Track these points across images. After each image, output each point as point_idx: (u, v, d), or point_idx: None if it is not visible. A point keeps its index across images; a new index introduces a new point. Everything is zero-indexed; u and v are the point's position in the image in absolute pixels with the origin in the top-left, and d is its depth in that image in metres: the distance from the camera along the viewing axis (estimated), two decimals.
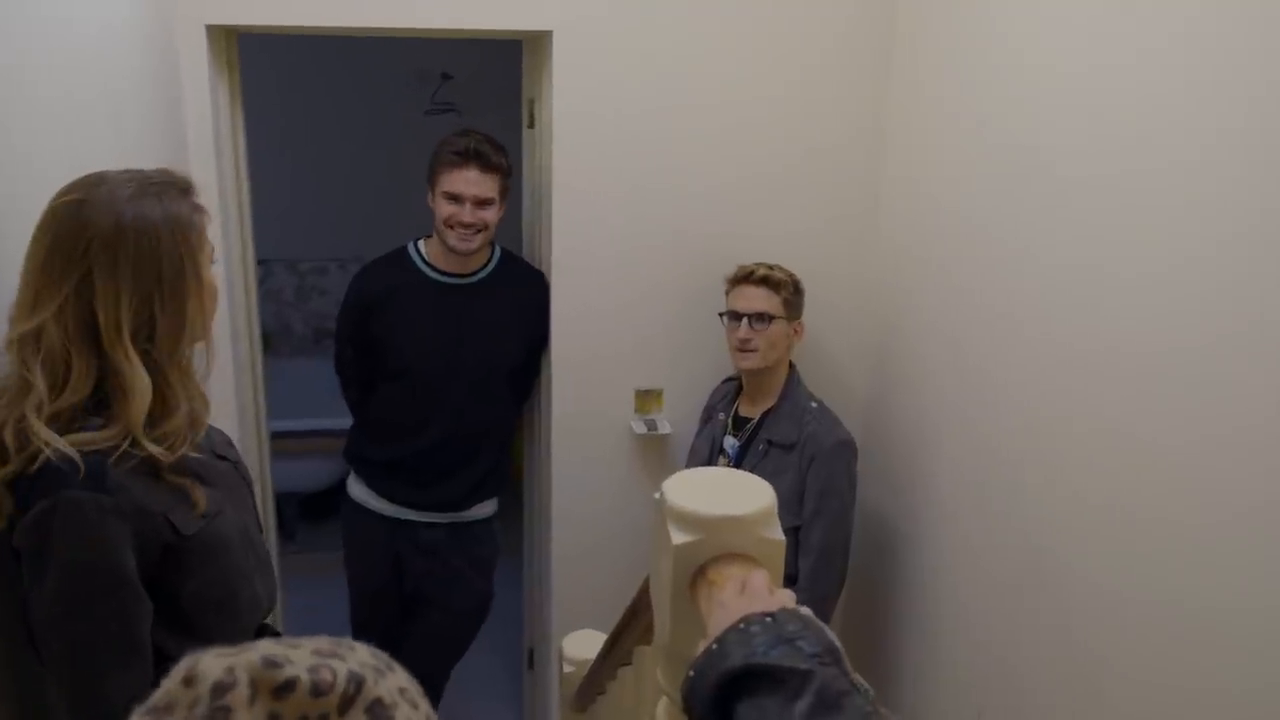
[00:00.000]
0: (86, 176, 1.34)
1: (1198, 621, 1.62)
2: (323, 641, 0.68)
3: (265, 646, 0.64)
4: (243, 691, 0.60)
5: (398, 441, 2.77)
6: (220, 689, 0.60)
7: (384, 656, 0.70)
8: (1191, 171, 1.63)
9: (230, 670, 0.61)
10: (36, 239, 1.30)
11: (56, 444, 1.26)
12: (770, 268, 2.50)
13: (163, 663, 1.32)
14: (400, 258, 2.76)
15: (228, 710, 0.60)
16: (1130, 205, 1.77)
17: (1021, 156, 2.09)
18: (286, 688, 0.61)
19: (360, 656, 0.67)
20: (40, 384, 1.27)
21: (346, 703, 0.63)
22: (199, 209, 1.40)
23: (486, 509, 2.91)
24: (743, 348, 2.50)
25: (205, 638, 1.41)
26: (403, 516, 2.83)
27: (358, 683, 0.64)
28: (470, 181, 2.56)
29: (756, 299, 2.49)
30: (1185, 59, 1.64)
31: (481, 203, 2.59)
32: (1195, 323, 1.62)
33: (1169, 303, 1.68)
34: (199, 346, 1.44)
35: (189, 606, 1.41)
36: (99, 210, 1.29)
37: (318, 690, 0.62)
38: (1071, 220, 1.93)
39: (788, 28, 2.63)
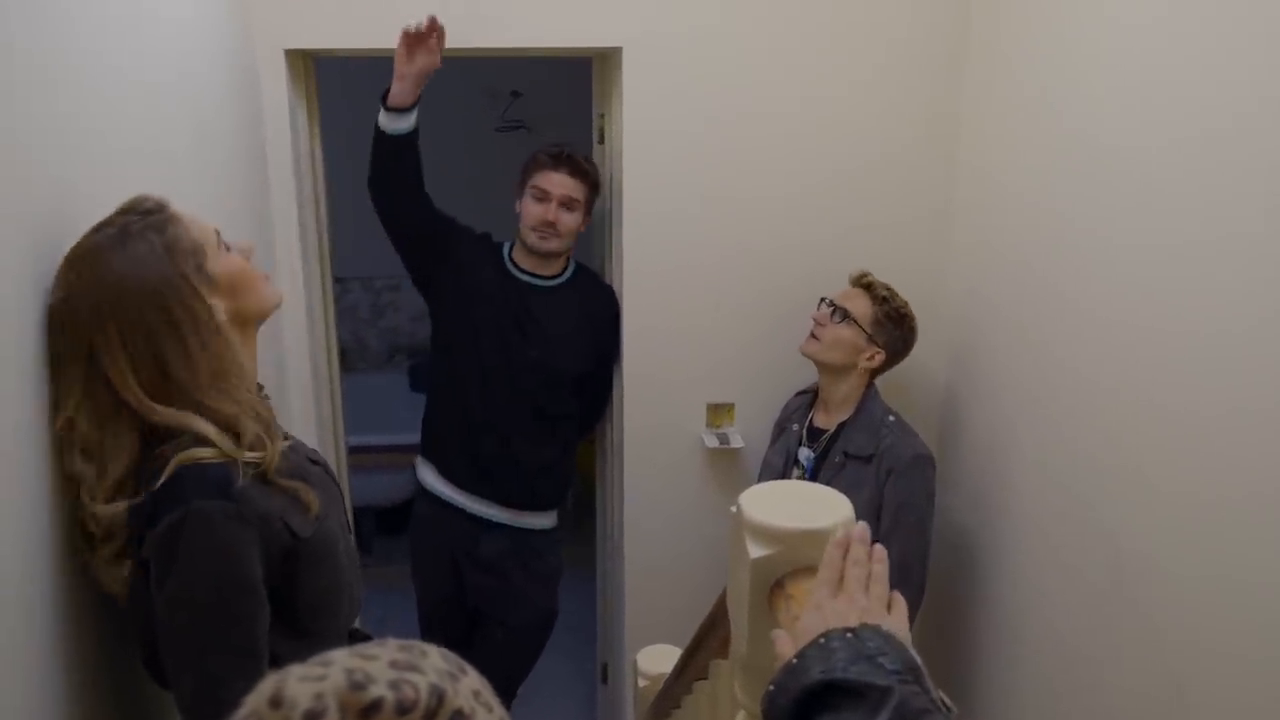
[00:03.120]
0: (66, 256, 1.30)
1: None
2: (395, 650, 0.68)
3: (345, 662, 0.65)
4: (333, 717, 0.62)
5: (464, 425, 2.79)
6: (312, 717, 0.62)
7: (454, 659, 0.71)
8: (1278, 164, 1.58)
9: (319, 697, 0.62)
10: (46, 345, 1.29)
11: (181, 458, 1.29)
12: (885, 287, 2.49)
13: (274, 666, 1.35)
14: (497, 247, 2.84)
15: None
16: (1215, 198, 1.72)
17: (1100, 150, 2.05)
18: (373, 709, 0.63)
19: (434, 663, 0.68)
20: (88, 472, 1.30)
21: (429, 717, 0.65)
22: (165, 226, 1.34)
23: (546, 520, 2.91)
24: (813, 331, 2.53)
25: (314, 640, 1.44)
26: (466, 507, 2.83)
27: (439, 695, 0.65)
28: (559, 182, 2.67)
29: (848, 295, 2.51)
30: (1271, 51, 1.59)
31: (566, 204, 2.67)
32: None
33: (1257, 296, 1.62)
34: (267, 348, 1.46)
35: (302, 609, 1.44)
36: (78, 299, 1.27)
37: (402, 708, 0.63)
38: (1154, 215, 1.88)
39: (856, 28, 2.61)
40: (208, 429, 1.32)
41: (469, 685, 0.69)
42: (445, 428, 2.86)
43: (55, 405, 1.29)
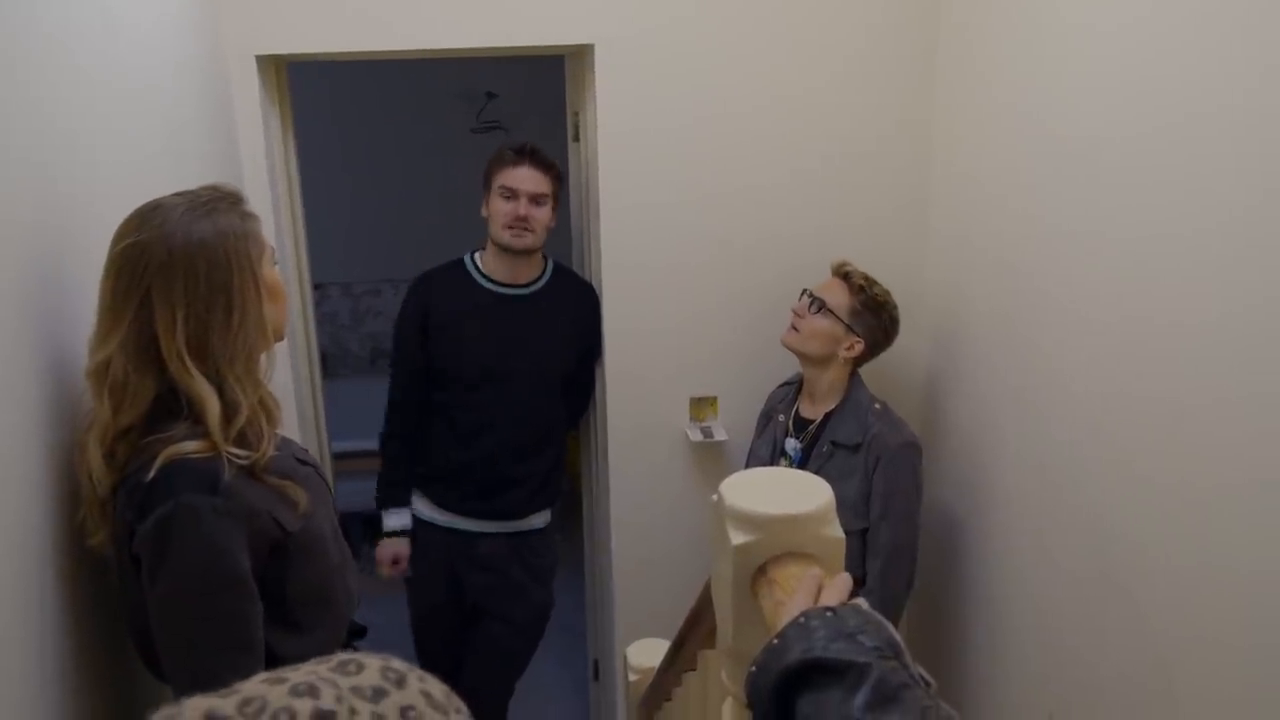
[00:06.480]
0: (141, 208, 1.39)
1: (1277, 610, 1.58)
2: (314, 669, 0.65)
3: (250, 688, 0.64)
4: None
5: (458, 451, 2.80)
6: None
7: (397, 672, 0.67)
8: (1248, 157, 1.59)
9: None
10: (104, 282, 1.37)
11: (169, 453, 1.33)
12: (864, 276, 2.48)
13: (271, 660, 1.39)
14: (457, 269, 2.82)
15: None
16: (1185, 190, 1.73)
17: (1074, 143, 2.06)
18: None
19: (353, 681, 0.64)
20: (106, 411, 1.35)
21: None
22: (249, 216, 1.46)
23: (541, 519, 2.93)
24: (793, 322, 2.53)
25: (309, 634, 1.47)
26: (462, 527, 2.85)
27: (322, 716, 0.62)
28: (525, 178, 2.67)
29: (827, 286, 2.51)
30: (1242, 48, 1.61)
31: (535, 199, 2.67)
32: (1260, 304, 1.58)
33: (1230, 284, 1.64)
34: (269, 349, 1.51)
35: (294, 603, 1.48)
36: (154, 245, 1.35)
37: None
38: (1128, 206, 1.90)
39: (828, 27, 2.62)
40: (214, 410, 1.37)
41: (397, 700, 0.65)
42: (433, 465, 2.86)
43: (96, 340, 1.37)
